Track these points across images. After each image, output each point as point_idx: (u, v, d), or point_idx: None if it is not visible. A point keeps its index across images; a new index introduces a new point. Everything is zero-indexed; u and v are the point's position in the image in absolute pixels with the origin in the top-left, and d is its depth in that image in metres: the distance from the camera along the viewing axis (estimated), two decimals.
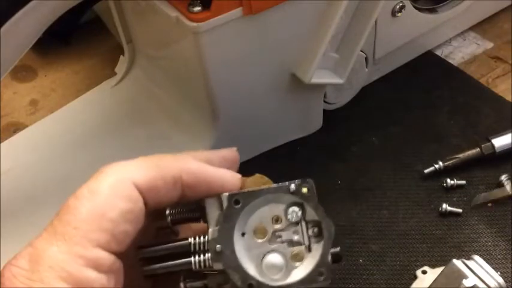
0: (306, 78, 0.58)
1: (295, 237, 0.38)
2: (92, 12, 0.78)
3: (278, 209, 0.38)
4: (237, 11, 0.50)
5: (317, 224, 0.38)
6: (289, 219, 0.38)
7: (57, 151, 0.65)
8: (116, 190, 0.34)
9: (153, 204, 0.36)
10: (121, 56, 0.71)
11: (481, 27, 0.78)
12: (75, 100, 0.71)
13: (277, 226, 0.38)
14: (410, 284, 0.52)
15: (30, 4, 0.48)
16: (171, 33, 0.57)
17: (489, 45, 0.76)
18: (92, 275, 0.32)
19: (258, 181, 0.40)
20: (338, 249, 0.37)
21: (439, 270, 0.49)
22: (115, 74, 0.71)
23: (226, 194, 0.37)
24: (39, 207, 0.57)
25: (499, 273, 0.49)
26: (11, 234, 0.55)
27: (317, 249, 0.37)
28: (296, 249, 0.37)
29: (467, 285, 0.45)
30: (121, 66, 0.71)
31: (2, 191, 0.59)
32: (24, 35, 0.51)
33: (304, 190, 0.38)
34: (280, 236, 0.38)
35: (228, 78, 0.56)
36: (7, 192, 0.59)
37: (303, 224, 0.38)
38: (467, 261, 0.47)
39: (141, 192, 0.35)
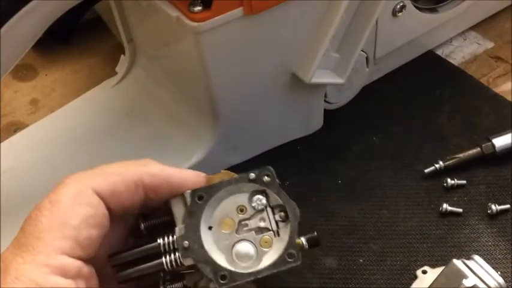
0: (306, 78, 0.58)
1: (262, 224, 0.38)
2: (92, 12, 0.78)
3: (242, 199, 0.39)
4: (238, 11, 0.50)
5: (282, 208, 0.39)
6: (254, 207, 0.39)
7: (57, 150, 0.65)
8: (76, 198, 0.35)
9: (117, 208, 0.37)
10: (121, 56, 0.71)
11: (481, 26, 0.78)
12: (75, 99, 0.71)
13: (243, 216, 0.38)
14: (410, 284, 0.52)
15: (31, 4, 0.48)
16: (172, 33, 0.57)
17: (490, 44, 0.76)
18: (59, 281, 0.33)
19: (225, 177, 0.40)
20: (315, 233, 0.38)
21: (439, 270, 0.49)
22: (115, 73, 0.71)
23: (189, 191, 0.38)
24: None
25: (499, 273, 0.49)
26: (11, 234, 0.54)
27: (285, 233, 0.38)
28: (264, 235, 0.38)
29: (467, 285, 0.45)
30: (121, 66, 0.71)
31: (2, 190, 0.59)
32: (24, 35, 0.51)
33: (265, 177, 0.39)
34: (247, 225, 0.38)
35: (229, 78, 0.56)
36: (7, 192, 0.59)
37: (269, 210, 0.39)
38: (467, 261, 0.47)
39: (103, 198, 0.36)
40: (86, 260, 0.35)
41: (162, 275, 0.38)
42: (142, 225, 0.39)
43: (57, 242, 0.34)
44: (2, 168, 0.62)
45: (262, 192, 0.39)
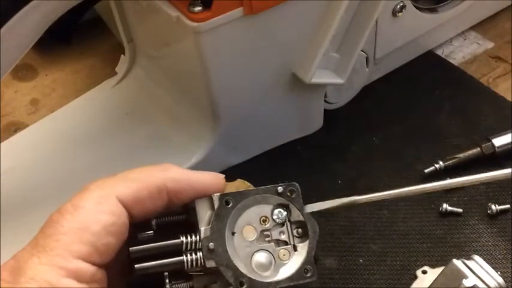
0: (306, 78, 0.58)
1: (282, 237, 0.40)
2: (92, 12, 0.78)
3: (266, 210, 0.40)
4: (238, 11, 0.50)
5: (301, 225, 0.40)
6: (274, 220, 0.40)
7: (57, 150, 0.65)
8: (99, 205, 0.35)
9: (139, 215, 0.37)
10: (121, 56, 0.71)
11: (481, 26, 0.78)
12: (75, 99, 0.71)
13: (265, 226, 0.39)
14: (410, 284, 0.52)
15: (31, 4, 0.48)
16: (172, 33, 0.57)
17: (490, 44, 0.76)
18: (73, 285, 0.33)
19: (240, 186, 0.42)
20: (313, 253, 0.40)
21: (439, 270, 0.49)
22: (115, 73, 0.71)
23: (218, 194, 0.39)
24: (39, 207, 0.57)
25: (499, 273, 0.49)
26: (11, 234, 0.55)
27: (303, 248, 0.39)
28: (283, 248, 0.39)
29: (467, 285, 0.45)
30: (121, 66, 0.71)
31: (2, 190, 0.59)
32: (24, 35, 0.51)
33: (290, 192, 0.40)
34: (268, 236, 0.39)
35: (229, 78, 0.56)
36: (7, 192, 0.59)
37: (288, 224, 0.40)
38: (467, 261, 0.47)
39: (126, 205, 0.36)
40: (101, 266, 0.35)
41: (166, 273, 0.38)
42: (154, 221, 0.39)
43: (75, 246, 0.34)
44: (2, 168, 0.62)
45: (284, 207, 0.40)
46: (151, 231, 0.39)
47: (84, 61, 0.80)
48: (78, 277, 0.34)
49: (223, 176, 0.40)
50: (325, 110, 0.67)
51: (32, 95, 0.77)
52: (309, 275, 0.39)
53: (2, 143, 0.66)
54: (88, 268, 0.34)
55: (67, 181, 0.60)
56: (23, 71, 0.79)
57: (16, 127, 0.72)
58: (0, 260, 0.36)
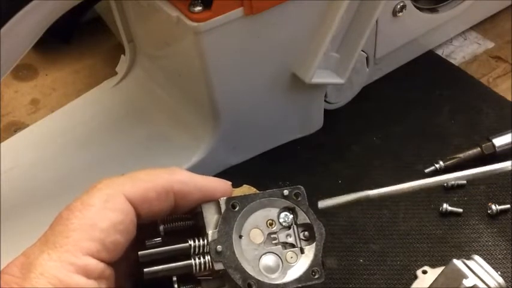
0: (306, 78, 0.58)
1: (289, 240, 0.40)
2: (93, 12, 0.78)
3: (272, 213, 0.40)
4: (238, 11, 0.50)
5: (307, 227, 0.41)
6: (281, 223, 0.40)
7: (57, 150, 0.65)
8: (108, 203, 0.36)
9: (146, 215, 0.38)
10: (122, 56, 0.71)
11: (482, 26, 0.78)
12: (75, 99, 0.71)
13: (272, 229, 0.40)
14: (411, 284, 0.52)
15: (31, 4, 0.48)
16: (172, 33, 0.57)
17: (490, 44, 0.76)
18: (82, 281, 0.34)
19: (247, 192, 0.42)
20: (320, 254, 0.40)
21: (439, 270, 0.49)
22: (116, 73, 0.71)
23: (224, 198, 0.39)
24: (40, 207, 0.57)
25: (499, 273, 0.49)
26: (11, 234, 0.55)
27: (310, 250, 0.40)
28: (290, 250, 0.40)
29: (467, 285, 0.45)
30: (122, 66, 0.71)
31: (2, 190, 0.59)
32: (24, 35, 0.51)
33: (296, 196, 0.41)
34: (275, 239, 0.40)
35: (229, 78, 0.56)
36: (7, 192, 0.60)
37: (295, 227, 0.40)
38: (467, 261, 0.47)
39: (134, 204, 0.37)
40: (109, 263, 0.36)
41: (175, 278, 0.39)
42: (162, 227, 0.40)
43: (84, 243, 0.34)
44: (2, 168, 0.62)
45: (290, 210, 0.40)
46: (159, 238, 0.39)
47: (85, 61, 0.80)
48: (87, 273, 0.34)
49: (230, 182, 0.41)
50: (325, 110, 0.67)
51: (32, 95, 0.77)
52: (316, 276, 0.39)
53: (2, 143, 0.66)
54: (97, 265, 0.35)
55: (67, 181, 0.60)
56: (23, 71, 0.79)
57: (16, 127, 0.72)
58: (0, 260, 0.36)
